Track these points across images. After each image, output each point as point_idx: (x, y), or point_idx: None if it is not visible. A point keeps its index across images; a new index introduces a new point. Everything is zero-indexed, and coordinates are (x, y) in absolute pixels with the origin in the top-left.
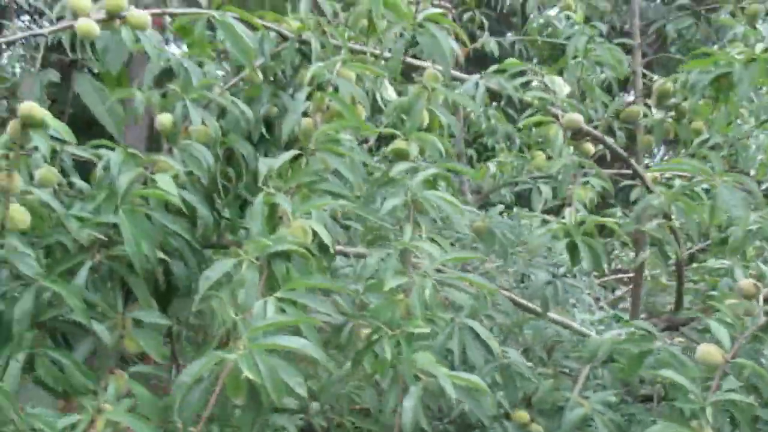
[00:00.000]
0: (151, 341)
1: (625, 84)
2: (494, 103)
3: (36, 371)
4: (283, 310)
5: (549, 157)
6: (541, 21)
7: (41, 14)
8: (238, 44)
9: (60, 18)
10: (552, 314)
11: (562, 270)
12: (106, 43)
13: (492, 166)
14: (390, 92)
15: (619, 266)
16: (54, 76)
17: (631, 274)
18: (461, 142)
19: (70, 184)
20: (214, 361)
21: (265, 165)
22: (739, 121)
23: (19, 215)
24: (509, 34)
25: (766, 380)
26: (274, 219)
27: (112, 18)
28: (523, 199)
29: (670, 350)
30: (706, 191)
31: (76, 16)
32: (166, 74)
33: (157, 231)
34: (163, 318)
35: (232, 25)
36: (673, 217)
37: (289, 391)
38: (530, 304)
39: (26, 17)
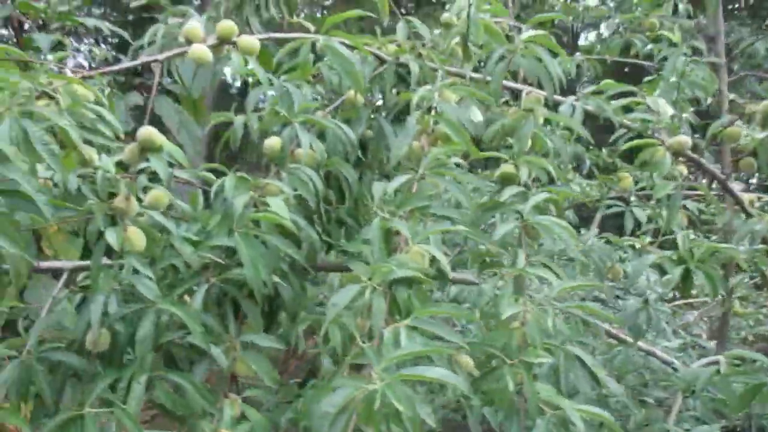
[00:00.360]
0: (263, 365)
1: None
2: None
3: (155, 393)
4: (414, 338)
5: (636, 181)
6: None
7: (103, 37)
8: (347, 68)
9: (151, 43)
10: (642, 344)
11: (653, 296)
12: (194, 68)
13: (576, 187)
14: (477, 115)
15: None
16: (138, 98)
17: (699, 299)
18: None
19: (170, 207)
20: (356, 392)
21: (379, 188)
22: None
23: (137, 238)
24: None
25: None
26: (390, 244)
27: (222, 43)
28: (588, 221)
29: None
30: None
31: (188, 41)
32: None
33: (272, 254)
34: (277, 341)
35: (339, 50)
36: None
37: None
38: (620, 334)
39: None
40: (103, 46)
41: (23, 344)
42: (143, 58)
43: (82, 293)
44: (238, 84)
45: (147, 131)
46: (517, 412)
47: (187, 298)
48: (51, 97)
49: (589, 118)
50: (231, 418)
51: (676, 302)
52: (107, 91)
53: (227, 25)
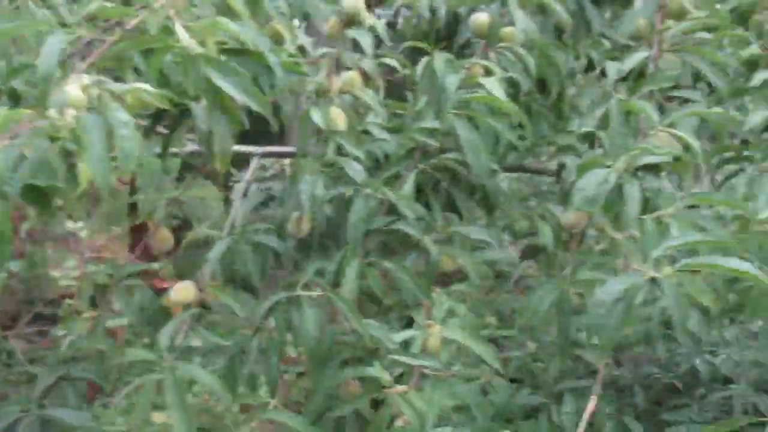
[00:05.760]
0: (470, 259)
1: None
2: None
3: (365, 281)
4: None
5: None
6: None
7: None
8: None
9: None
10: None
11: None
12: None
13: None
14: None
15: None
16: None
17: None
18: None
19: None
20: (633, 281)
21: (614, 68)
22: None
23: (340, 118)
24: None
25: None
26: (628, 129)
27: None
28: None
29: None
30: None
31: None
32: None
33: (489, 139)
34: (490, 234)
35: None
36: None
37: None
38: None
39: None
40: None
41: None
42: None
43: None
44: None
45: (353, 1)
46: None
47: None
48: None
49: None
50: (443, 312)
51: None
52: None
53: None
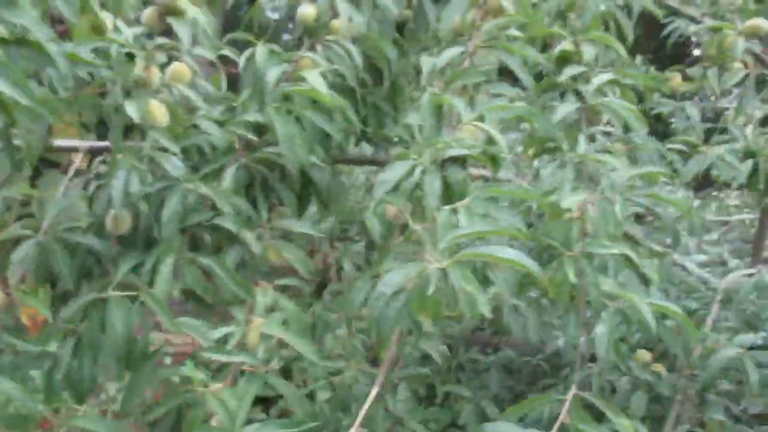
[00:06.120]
0: (298, 253)
1: None
2: None
3: (184, 278)
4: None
5: (686, 78)
6: None
7: None
8: None
9: None
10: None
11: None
12: None
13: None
14: None
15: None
16: None
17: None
18: None
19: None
20: (416, 271)
21: (429, 62)
22: None
23: (159, 112)
24: None
25: None
26: (440, 122)
27: None
28: None
29: None
30: None
31: None
32: None
33: (308, 132)
34: (314, 228)
35: None
36: None
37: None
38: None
39: None
40: None
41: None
42: None
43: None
44: None
45: None
46: (576, 306)
47: None
48: None
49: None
50: (264, 306)
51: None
52: None
53: None
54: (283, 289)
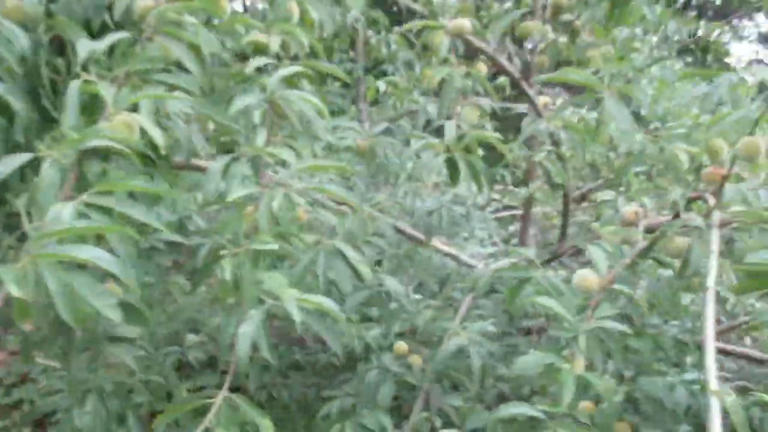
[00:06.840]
0: None
1: None
2: (395, 28)
3: None
4: (87, 216)
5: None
6: None
7: None
8: None
9: None
10: (442, 246)
11: (447, 198)
12: None
13: (383, 84)
14: None
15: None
16: None
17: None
18: (361, 69)
19: None
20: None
21: (85, 47)
22: (633, 56)
23: None
24: None
25: (638, 308)
26: (96, 113)
27: None
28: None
29: (550, 279)
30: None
31: None
32: None
33: None
34: None
35: None
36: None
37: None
38: (416, 233)
39: None
40: None
41: None
42: None
43: None
44: None
45: None
46: (239, 304)
47: None
48: None
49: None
50: None
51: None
52: None
53: None
54: None
